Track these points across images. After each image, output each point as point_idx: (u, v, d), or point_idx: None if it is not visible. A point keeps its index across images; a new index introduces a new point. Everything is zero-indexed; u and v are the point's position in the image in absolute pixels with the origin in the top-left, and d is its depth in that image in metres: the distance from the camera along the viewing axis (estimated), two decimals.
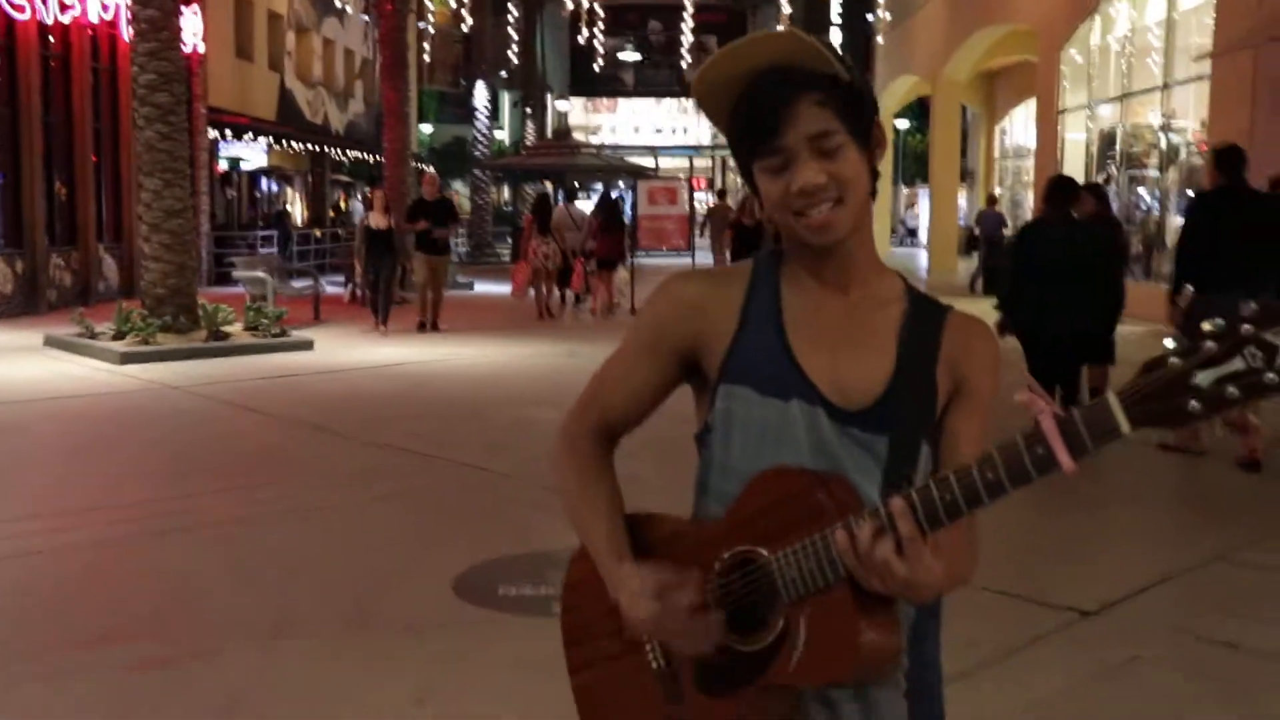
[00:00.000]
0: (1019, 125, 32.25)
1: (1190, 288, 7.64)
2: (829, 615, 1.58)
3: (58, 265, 18.38)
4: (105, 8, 19.17)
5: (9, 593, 5.41)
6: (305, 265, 22.41)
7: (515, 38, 38.38)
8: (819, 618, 1.59)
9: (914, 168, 48.01)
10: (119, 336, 12.90)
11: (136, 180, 14.26)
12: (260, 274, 15.77)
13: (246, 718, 4.12)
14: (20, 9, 16.88)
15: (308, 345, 13.49)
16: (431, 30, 34.99)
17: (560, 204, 21.64)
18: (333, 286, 21.12)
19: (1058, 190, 8.31)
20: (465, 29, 33.41)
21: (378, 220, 15.51)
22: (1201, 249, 7.71)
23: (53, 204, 18.38)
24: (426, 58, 38.73)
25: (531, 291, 18.26)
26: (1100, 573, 5.67)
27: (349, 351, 13.56)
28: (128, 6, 14.35)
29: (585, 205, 31.90)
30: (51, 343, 13.49)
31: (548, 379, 11.44)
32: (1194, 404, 1.33)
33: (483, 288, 23.77)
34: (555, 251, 17.81)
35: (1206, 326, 1.33)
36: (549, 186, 34.10)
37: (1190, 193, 8.77)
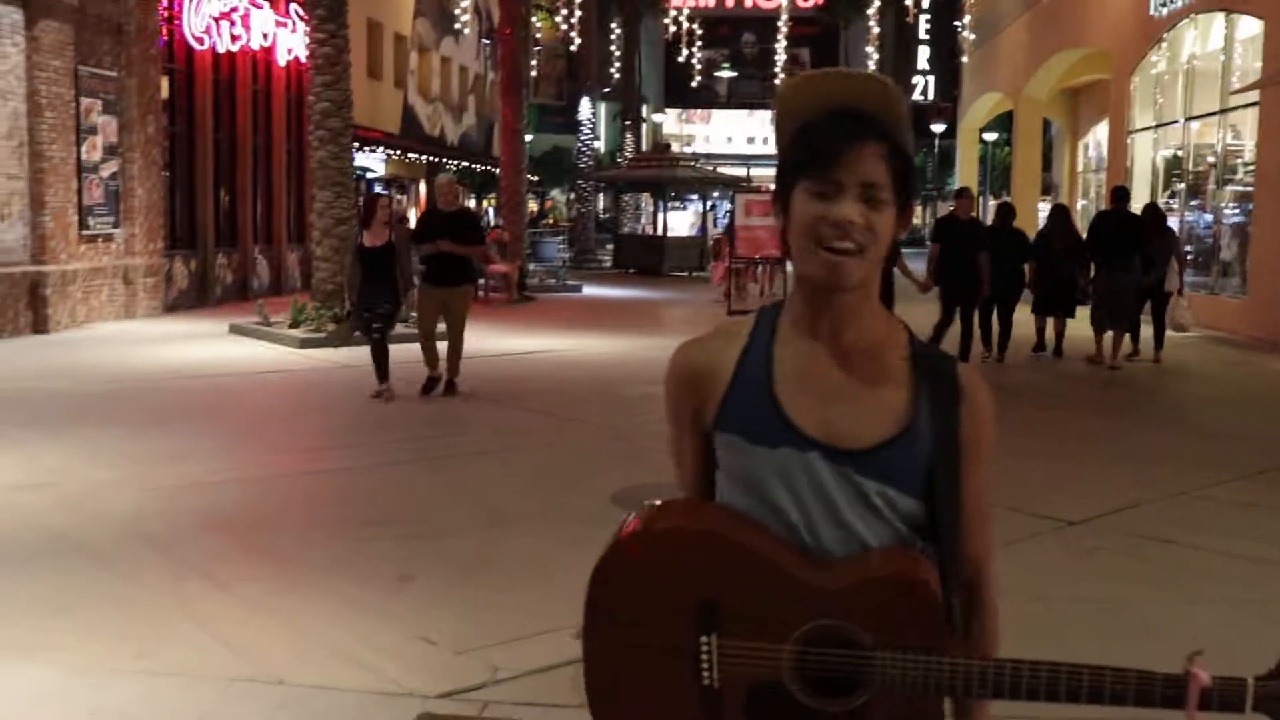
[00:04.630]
0: (1102, 140, 33.59)
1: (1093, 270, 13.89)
2: (917, 713, 1.75)
3: (221, 265, 20.86)
4: (265, 36, 21.67)
5: (294, 498, 7.59)
6: None
7: (616, 54, 40.58)
8: (906, 712, 1.74)
9: (1002, 179, 49.36)
10: (294, 325, 15.17)
11: (309, 192, 16.59)
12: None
13: (485, 572, 6.14)
14: (200, 40, 19.41)
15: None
16: (538, 48, 37.39)
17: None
18: None
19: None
20: (573, 48, 35.57)
21: (374, 236, 11.02)
22: (1098, 246, 13.76)
23: (219, 211, 20.86)
24: (533, 73, 41.06)
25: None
26: (1086, 499, 7.55)
27: (488, 342, 15.68)
28: (306, 46, 16.65)
29: (683, 216, 33.94)
30: (236, 330, 15.84)
31: (664, 364, 13.46)
32: None
33: (590, 290, 25.89)
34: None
35: None
36: (648, 198, 36.13)
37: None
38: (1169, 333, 14.82)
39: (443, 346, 11.39)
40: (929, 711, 1.76)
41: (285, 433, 9.63)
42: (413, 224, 14.74)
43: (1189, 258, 20.75)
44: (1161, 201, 22.59)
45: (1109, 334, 13.91)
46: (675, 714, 1.79)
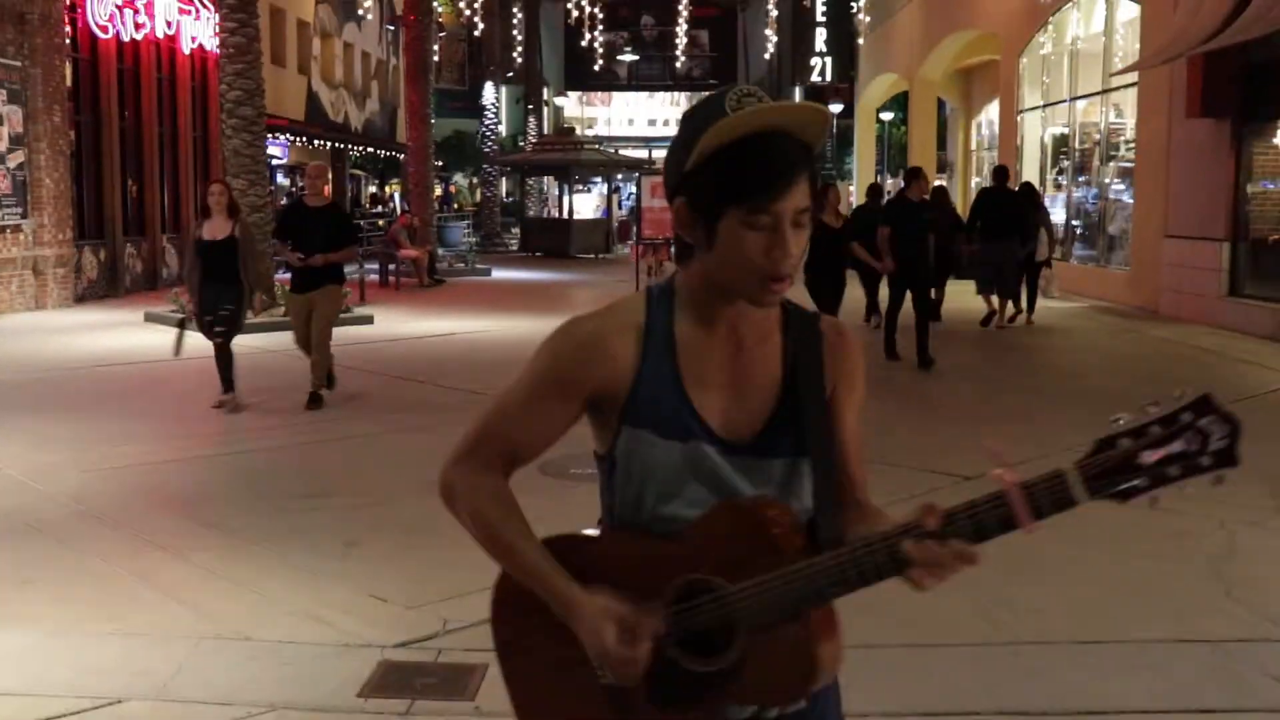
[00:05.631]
0: (994, 119, 34.56)
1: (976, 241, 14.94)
2: (785, 640, 1.72)
3: (131, 254, 20.80)
4: (169, 24, 21.60)
5: (232, 476, 7.90)
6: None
7: (518, 37, 40.74)
8: (776, 642, 1.72)
9: (898, 158, 50.43)
10: None
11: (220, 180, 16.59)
12: None
13: (426, 535, 6.50)
14: (104, 29, 19.33)
15: (369, 320, 15.93)
16: (441, 33, 37.44)
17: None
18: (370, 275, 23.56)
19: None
20: (476, 34, 35.72)
21: (215, 228, 9.88)
22: (980, 219, 15.04)
23: (126, 200, 20.79)
24: (435, 58, 41.07)
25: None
26: (980, 458, 8.12)
27: (403, 325, 16.01)
28: (216, 34, 16.71)
29: (588, 199, 34.36)
30: (152, 318, 15.90)
31: None
32: (1141, 481, 1.53)
33: (500, 273, 26.17)
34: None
35: (1152, 411, 1.52)
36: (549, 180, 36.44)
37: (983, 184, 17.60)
38: (1049, 302, 16.43)
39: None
40: (799, 648, 1.74)
41: (213, 415, 9.86)
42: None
43: (1078, 232, 21.80)
44: (1050, 178, 23.61)
45: (995, 298, 15.24)
46: (593, 717, 1.85)
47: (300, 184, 35.85)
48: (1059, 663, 4.70)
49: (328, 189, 10.55)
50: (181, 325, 10.11)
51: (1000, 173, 15.98)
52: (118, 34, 19.86)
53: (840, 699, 1.99)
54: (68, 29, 18.54)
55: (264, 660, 4.70)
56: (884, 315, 12.70)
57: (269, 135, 28.50)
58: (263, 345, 13.79)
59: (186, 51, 22.57)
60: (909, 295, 12.32)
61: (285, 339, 11.06)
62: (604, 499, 1.95)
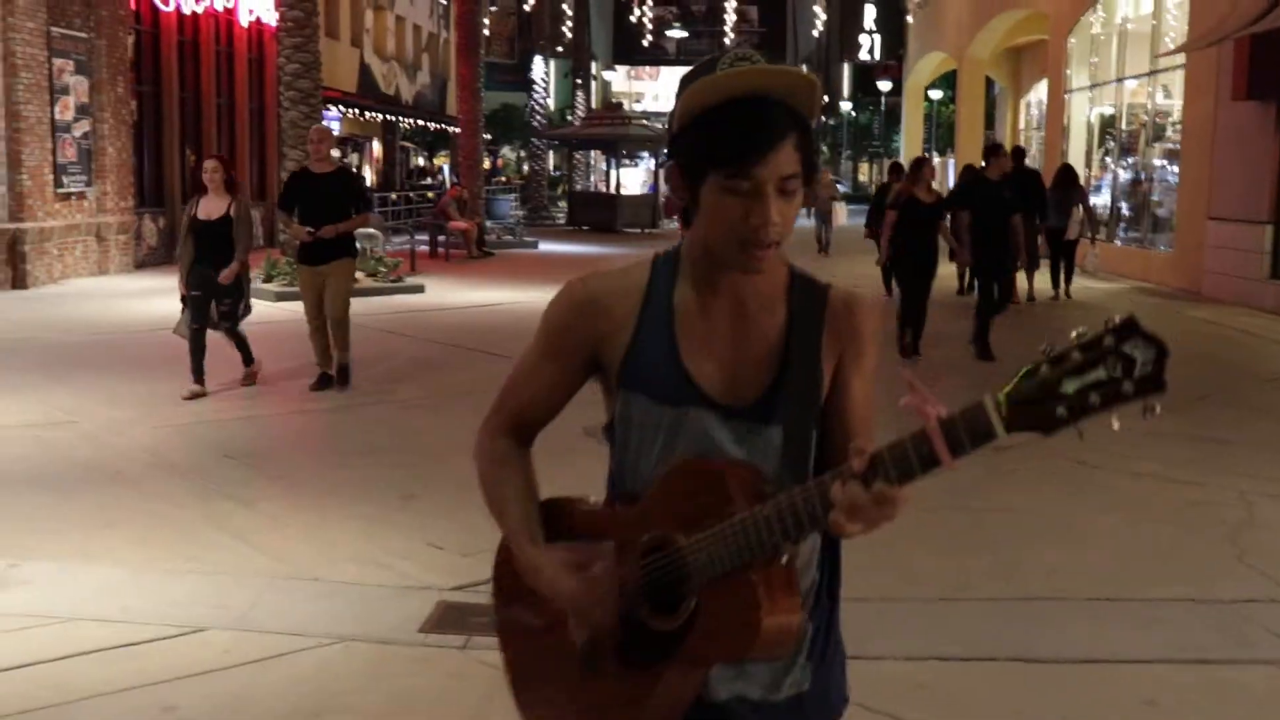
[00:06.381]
0: (1043, 99, 34.42)
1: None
2: (734, 597, 1.70)
3: None
4: None
5: (294, 433, 8.33)
6: (400, 224, 25.41)
7: (568, 13, 41.03)
8: (725, 600, 1.70)
9: (946, 136, 50.27)
10: (267, 280, 15.74)
11: (271, 151, 17.08)
12: (373, 230, 18.60)
13: (479, 490, 6.87)
14: (166, 2, 19.83)
15: (420, 289, 16.36)
16: (492, 7, 37.79)
17: None
18: (420, 246, 24.02)
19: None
20: (526, 8, 36.03)
21: (210, 206, 9.27)
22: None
23: (185, 170, 21.33)
24: (485, 32, 41.44)
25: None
26: None
27: (454, 295, 16.42)
28: (275, 9, 17.15)
29: (635, 173, 34.64)
30: None
31: None
32: (1061, 410, 1.43)
33: (547, 246, 26.55)
34: None
35: (1074, 337, 1.44)
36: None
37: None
38: (1091, 281, 16.85)
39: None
40: (745, 611, 1.70)
41: (273, 378, 10.29)
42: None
43: (1122, 213, 21.91)
44: (1096, 158, 23.66)
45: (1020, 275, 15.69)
46: (570, 677, 1.89)
47: (350, 156, 36.40)
48: (1071, 618, 5.01)
49: (330, 154, 10.06)
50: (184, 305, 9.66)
51: (1018, 153, 16.77)
52: (178, 7, 20.39)
53: (845, 680, 1.99)
54: (131, 2, 19.02)
55: (332, 598, 5.09)
56: (976, 310, 11.68)
57: (323, 107, 29.14)
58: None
59: (244, 24, 23.06)
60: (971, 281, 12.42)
61: None
62: (609, 469, 1.98)
